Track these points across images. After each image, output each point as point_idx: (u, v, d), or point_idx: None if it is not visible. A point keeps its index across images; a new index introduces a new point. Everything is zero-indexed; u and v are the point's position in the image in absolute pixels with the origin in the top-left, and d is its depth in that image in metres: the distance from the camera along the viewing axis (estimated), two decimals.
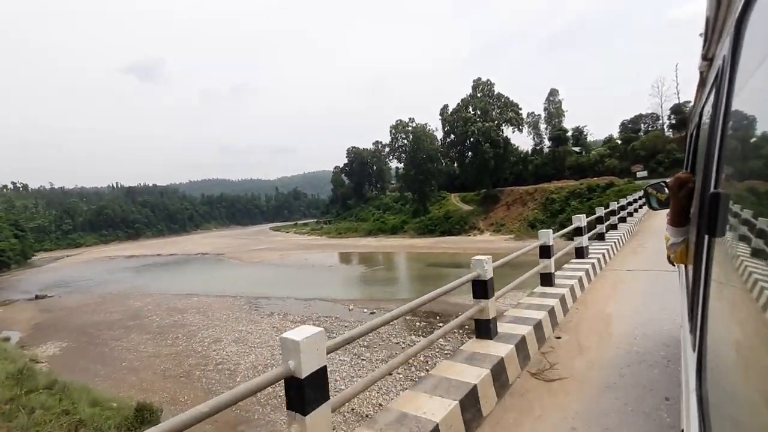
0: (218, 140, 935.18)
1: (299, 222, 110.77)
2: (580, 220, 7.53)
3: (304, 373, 1.96)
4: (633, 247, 10.04)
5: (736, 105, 0.83)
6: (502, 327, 4.06)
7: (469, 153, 54.09)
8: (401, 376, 11.88)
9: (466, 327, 12.37)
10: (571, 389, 3.17)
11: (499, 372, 3.22)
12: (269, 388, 11.38)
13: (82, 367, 15.75)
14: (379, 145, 77.89)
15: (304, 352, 1.96)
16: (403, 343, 14.78)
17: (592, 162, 51.23)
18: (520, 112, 53.92)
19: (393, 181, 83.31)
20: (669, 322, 4.24)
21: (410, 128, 62.05)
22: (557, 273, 6.21)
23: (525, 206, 45.86)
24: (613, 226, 12.26)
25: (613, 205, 12.71)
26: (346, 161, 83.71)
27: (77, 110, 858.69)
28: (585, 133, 58.09)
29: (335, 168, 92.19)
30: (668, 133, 51.37)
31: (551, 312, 4.64)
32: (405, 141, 62.50)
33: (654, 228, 13.15)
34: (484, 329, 3.79)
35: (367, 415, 10.00)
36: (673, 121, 50.64)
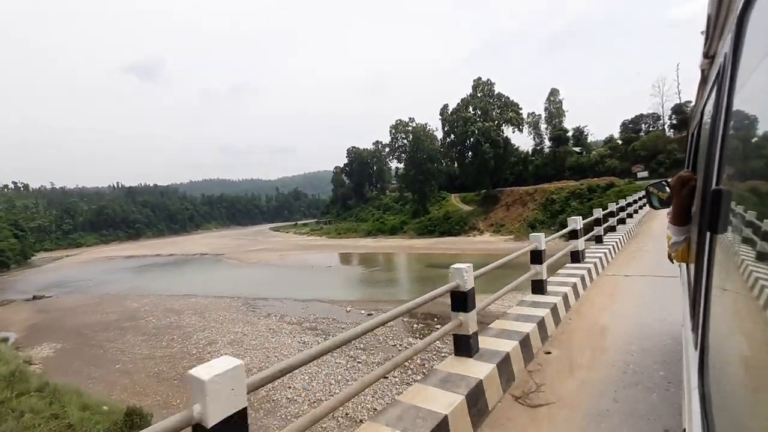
0: (218, 140, 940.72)
1: (299, 222, 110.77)
2: (576, 222, 7.29)
3: (212, 421, 1.54)
4: (631, 250, 9.82)
5: (738, 102, 0.83)
6: (485, 342, 3.71)
7: (469, 153, 53.92)
8: (397, 379, 11.75)
9: None
10: (558, 417, 2.89)
11: (476, 397, 2.91)
12: (262, 390, 11.35)
13: (76, 369, 15.62)
14: (379, 145, 77.94)
15: (213, 394, 1.55)
16: (400, 345, 14.64)
17: (592, 162, 51.01)
18: (521, 112, 53.74)
19: (393, 181, 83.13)
20: (669, 336, 3.96)
21: (410, 128, 61.93)
22: (550, 279, 5.95)
23: (525, 207, 45.68)
24: (612, 228, 12.07)
25: (612, 207, 12.42)
26: (346, 161, 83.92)
27: (77, 110, 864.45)
28: (585, 133, 57.89)
29: (335, 168, 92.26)
30: (669, 133, 51.12)
31: (541, 324, 4.34)
32: (405, 141, 62.41)
33: (653, 230, 12.96)
34: (463, 346, 3.44)
35: (361, 420, 9.85)
36: (674, 121, 50.31)
